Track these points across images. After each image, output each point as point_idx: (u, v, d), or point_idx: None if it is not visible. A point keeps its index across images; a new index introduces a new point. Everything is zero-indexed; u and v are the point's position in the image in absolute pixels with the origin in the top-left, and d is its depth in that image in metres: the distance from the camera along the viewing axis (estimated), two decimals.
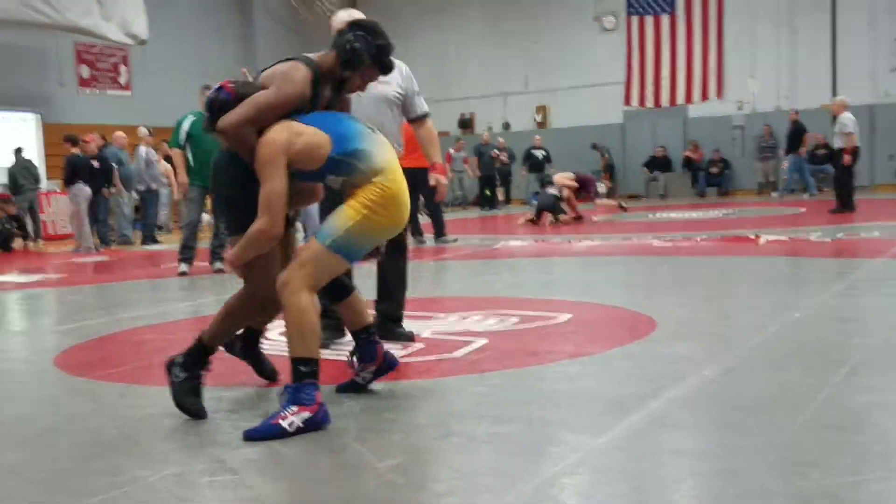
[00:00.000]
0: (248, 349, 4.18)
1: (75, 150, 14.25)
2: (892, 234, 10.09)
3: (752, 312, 5.83)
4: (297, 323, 3.44)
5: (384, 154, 3.68)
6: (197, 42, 23.49)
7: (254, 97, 3.62)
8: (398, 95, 5.24)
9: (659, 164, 23.43)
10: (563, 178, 15.44)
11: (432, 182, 5.62)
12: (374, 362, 3.90)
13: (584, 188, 15.81)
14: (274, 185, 3.51)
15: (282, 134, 3.56)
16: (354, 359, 3.93)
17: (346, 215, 3.53)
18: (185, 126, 9.71)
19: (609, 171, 23.35)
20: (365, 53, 3.72)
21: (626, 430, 3.25)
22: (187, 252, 9.65)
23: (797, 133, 19.78)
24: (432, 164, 5.62)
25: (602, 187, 19.73)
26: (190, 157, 9.67)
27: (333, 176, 3.62)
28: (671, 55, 23.50)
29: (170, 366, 3.72)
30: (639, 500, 2.68)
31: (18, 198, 16.21)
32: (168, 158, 15.74)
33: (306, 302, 3.47)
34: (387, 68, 3.90)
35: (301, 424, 3.32)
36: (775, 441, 3.08)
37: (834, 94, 21.20)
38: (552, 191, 15.12)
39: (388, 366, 3.96)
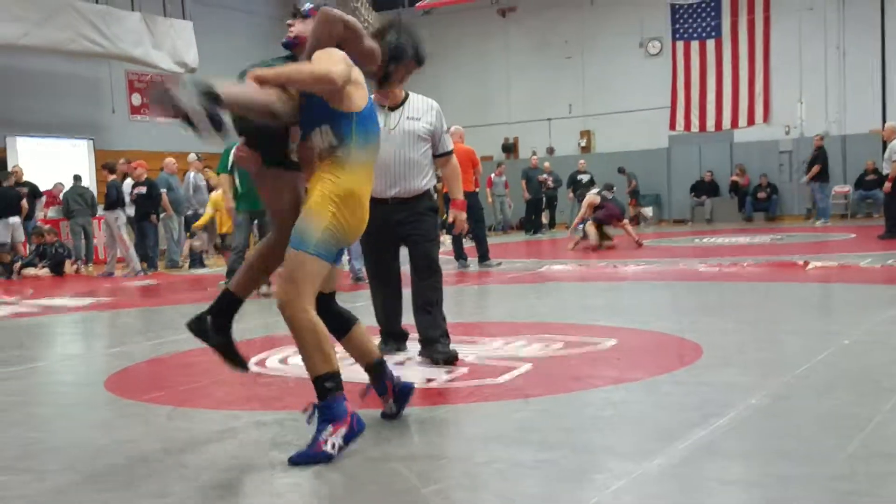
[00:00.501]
0: (222, 326, 4.02)
1: (113, 177, 14.57)
2: None
3: (799, 339, 5.76)
4: (312, 341, 3.43)
5: (369, 159, 3.76)
6: (243, 68, 23.76)
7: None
8: (427, 131, 5.31)
9: (705, 188, 23.27)
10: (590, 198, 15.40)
11: (450, 219, 5.80)
12: (387, 394, 3.88)
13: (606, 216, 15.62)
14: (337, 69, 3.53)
15: (346, 62, 3.60)
16: (368, 390, 3.90)
17: (318, 216, 3.49)
18: (234, 152, 9.83)
19: (635, 196, 23.26)
20: (408, 46, 3.99)
21: (672, 457, 3.23)
22: (233, 275, 9.74)
23: (820, 159, 19.53)
24: (453, 200, 5.77)
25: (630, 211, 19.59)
26: (237, 183, 9.79)
27: (333, 131, 3.59)
28: (717, 79, 23.39)
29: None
30: None
31: (71, 222, 16.53)
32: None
33: (313, 318, 3.45)
34: (422, 60, 4.13)
35: (342, 443, 3.34)
36: (824, 471, 3.04)
37: (884, 119, 20.94)
38: (596, 216, 15.06)
39: (403, 394, 3.93)
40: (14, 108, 19.16)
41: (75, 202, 16.48)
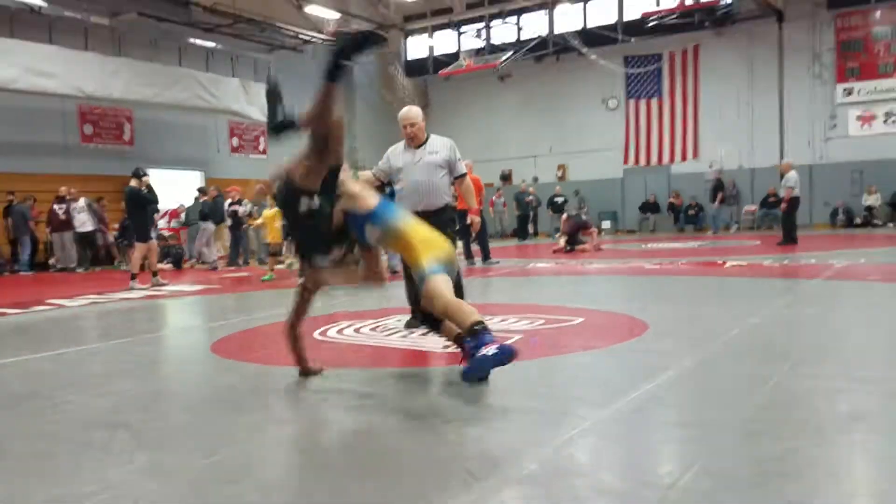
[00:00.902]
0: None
1: (204, 198, 14.77)
2: (825, 261, 9.83)
3: (720, 318, 5.71)
4: (452, 304, 3.34)
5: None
6: None
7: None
8: (444, 161, 5.34)
9: (650, 207, 23.18)
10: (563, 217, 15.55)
11: (469, 221, 5.94)
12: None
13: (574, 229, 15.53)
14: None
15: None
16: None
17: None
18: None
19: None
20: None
21: (626, 405, 3.20)
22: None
23: (718, 187, 20.20)
24: (470, 208, 5.90)
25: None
26: None
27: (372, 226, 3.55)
28: (659, 127, 23.38)
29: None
30: (634, 457, 2.64)
31: (189, 229, 16.65)
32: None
33: (439, 286, 3.33)
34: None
35: (497, 351, 3.16)
36: (738, 415, 3.01)
37: (781, 156, 20.97)
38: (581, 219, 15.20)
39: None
40: (147, 149, 19.30)
41: (192, 215, 16.58)
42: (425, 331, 5.41)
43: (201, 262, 15.40)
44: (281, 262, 11.93)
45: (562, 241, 14.89)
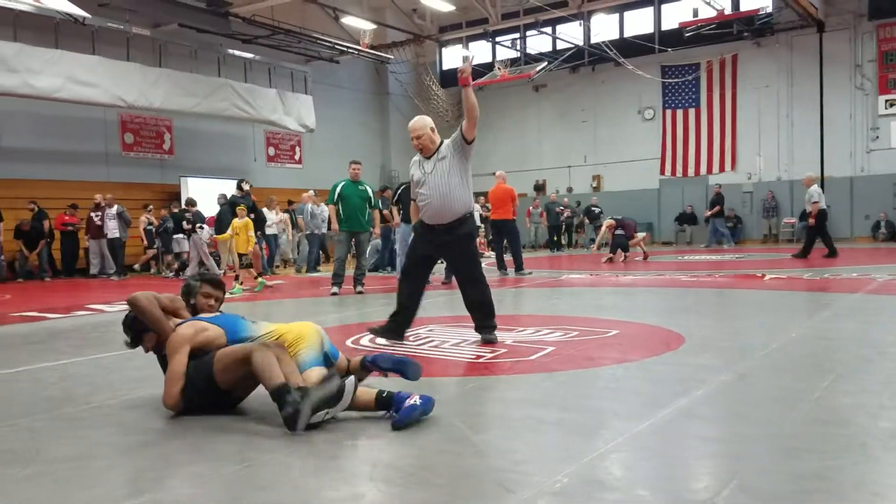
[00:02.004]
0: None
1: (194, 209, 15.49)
2: (866, 275, 9.61)
3: (758, 332, 5.61)
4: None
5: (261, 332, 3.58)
6: (348, 130, 24.12)
7: None
8: (454, 160, 5.05)
9: (686, 219, 22.92)
10: (607, 222, 15.48)
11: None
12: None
13: (624, 229, 15.52)
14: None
15: (188, 329, 3.47)
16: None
17: None
18: (338, 189, 9.95)
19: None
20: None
21: (661, 419, 3.15)
22: (337, 279, 9.83)
23: (718, 201, 20.35)
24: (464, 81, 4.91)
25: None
26: (340, 211, 9.89)
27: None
28: (696, 137, 23.15)
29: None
30: (669, 472, 2.59)
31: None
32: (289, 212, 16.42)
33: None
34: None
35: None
36: (777, 431, 2.94)
37: (822, 168, 20.58)
38: (619, 232, 15.01)
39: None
40: (186, 157, 19.66)
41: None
42: (458, 340, 5.41)
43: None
44: (254, 273, 11.54)
45: (610, 252, 14.94)
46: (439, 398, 3.65)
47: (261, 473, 2.64)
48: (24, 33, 15.16)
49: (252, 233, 11.54)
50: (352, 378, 3.22)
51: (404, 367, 3.52)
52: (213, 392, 3.37)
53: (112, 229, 15.86)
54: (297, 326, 3.59)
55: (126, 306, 3.64)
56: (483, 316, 5.25)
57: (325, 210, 13.48)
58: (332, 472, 2.66)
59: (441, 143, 5.17)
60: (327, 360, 3.53)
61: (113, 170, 18.19)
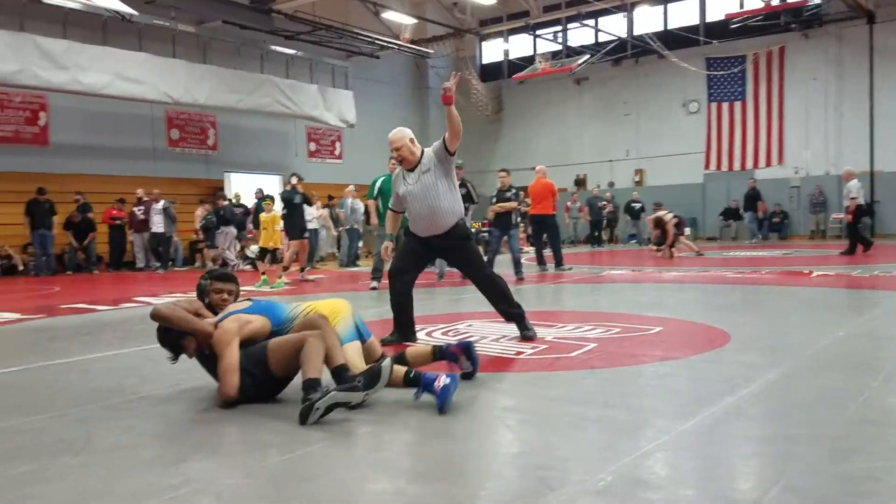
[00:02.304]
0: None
1: (224, 203, 16.11)
2: None
3: (806, 330, 5.49)
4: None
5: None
6: (388, 125, 23.84)
7: None
8: (438, 173, 4.95)
9: (732, 214, 22.49)
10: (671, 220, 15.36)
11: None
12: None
13: (679, 225, 15.55)
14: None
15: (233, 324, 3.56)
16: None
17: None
18: (378, 184, 9.99)
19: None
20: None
21: (706, 418, 3.11)
22: (376, 273, 9.88)
23: (754, 197, 20.39)
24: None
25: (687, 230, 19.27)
26: (380, 206, 9.93)
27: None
28: (742, 131, 22.71)
29: None
30: (714, 472, 2.55)
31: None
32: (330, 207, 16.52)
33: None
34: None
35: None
36: (826, 432, 2.88)
37: (871, 163, 20.08)
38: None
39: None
40: (230, 153, 19.96)
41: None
42: (498, 335, 5.40)
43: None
44: (280, 267, 11.51)
45: (665, 248, 15.01)
46: (480, 394, 3.65)
47: (304, 465, 2.68)
48: (73, 30, 15.53)
49: (280, 227, 11.65)
50: (388, 361, 3.47)
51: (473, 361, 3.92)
52: (269, 380, 3.52)
53: (157, 224, 16.18)
54: (332, 302, 3.85)
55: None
56: (508, 305, 5.20)
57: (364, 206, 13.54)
58: (375, 465, 2.68)
59: (422, 153, 5.05)
60: (360, 335, 3.82)
61: (160, 165, 18.56)
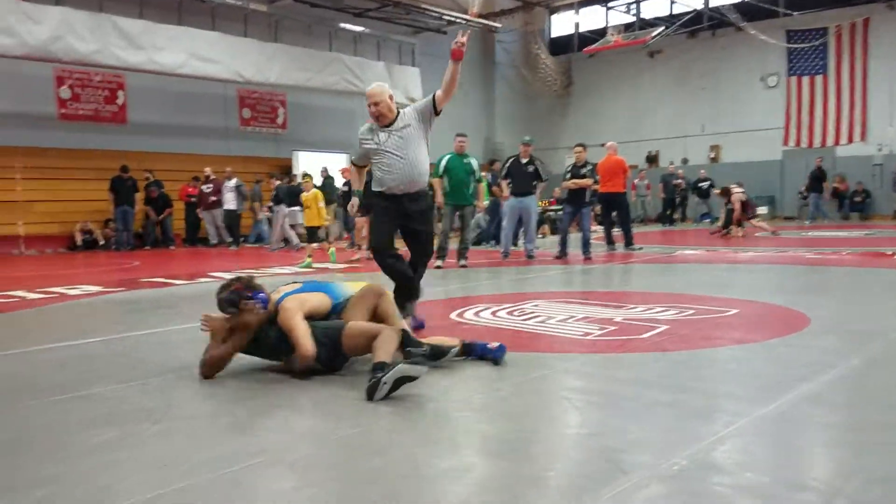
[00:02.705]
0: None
1: (278, 183, 16.09)
2: None
3: (890, 314, 5.26)
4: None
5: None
6: (454, 102, 23.76)
7: None
8: (416, 124, 4.88)
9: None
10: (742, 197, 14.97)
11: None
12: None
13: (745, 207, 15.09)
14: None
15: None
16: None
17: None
18: (444, 162, 9.97)
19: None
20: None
21: (784, 404, 3.01)
22: (441, 252, 9.89)
23: (818, 176, 19.46)
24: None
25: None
26: (446, 184, 9.92)
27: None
28: (823, 106, 21.77)
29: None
30: (793, 460, 2.47)
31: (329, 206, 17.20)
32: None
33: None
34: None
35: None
36: None
37: None
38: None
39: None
40: (298, 131, 20.27)
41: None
42: (565, 316, 5.35)
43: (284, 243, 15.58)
44: (326, 244, 11.42)
45: (738, 227, 14.81)
46: (547, 374, 3.63)
47: (375, 438, 2.73)
48: (150, 11, 15.96)
49: (323, 204, 11.36)
50: (458, 340, 3.98)
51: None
52: (338, 356, 3.75)
53: (230, 201, 16.59)
54: (360, 284, 4.13)
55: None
56: (411, 298, 4.99)
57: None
58: (442, 442, 2.71)
59: (398, 112, 4.96)
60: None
61: (232, 144, 18.99)
